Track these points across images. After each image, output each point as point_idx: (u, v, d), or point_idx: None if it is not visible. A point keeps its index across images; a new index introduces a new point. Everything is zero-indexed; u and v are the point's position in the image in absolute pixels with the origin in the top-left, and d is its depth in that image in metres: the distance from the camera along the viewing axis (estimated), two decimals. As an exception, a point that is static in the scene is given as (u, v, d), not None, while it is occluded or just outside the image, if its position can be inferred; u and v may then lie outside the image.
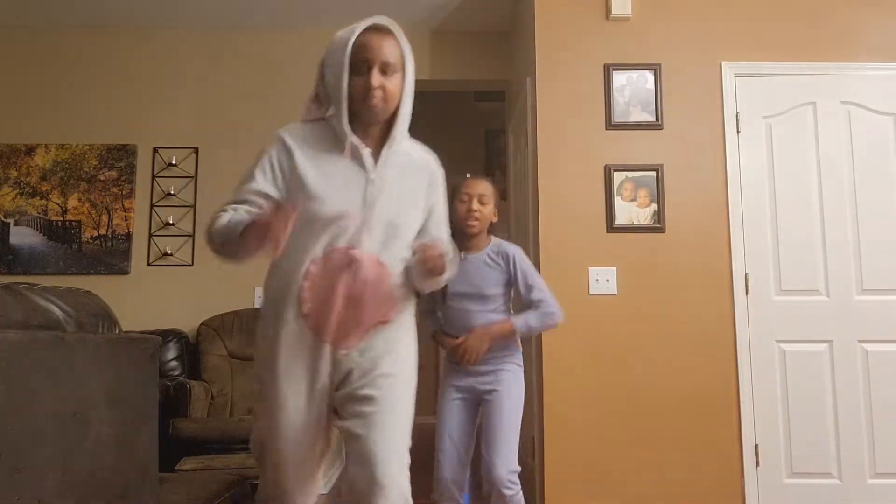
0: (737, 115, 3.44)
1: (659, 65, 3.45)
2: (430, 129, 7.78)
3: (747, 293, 3.32)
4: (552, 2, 3.51)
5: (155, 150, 4.37)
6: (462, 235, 2.37)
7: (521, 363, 2.45)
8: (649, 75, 3.44)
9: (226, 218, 1.60)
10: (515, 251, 2.43)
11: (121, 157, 4.36)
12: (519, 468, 2.31)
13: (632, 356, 3.25)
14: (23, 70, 4.44)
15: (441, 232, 1.82)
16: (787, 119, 3.45)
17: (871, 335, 3.28)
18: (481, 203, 2.40)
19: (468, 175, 2.46)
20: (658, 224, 3.34)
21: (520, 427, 2.35)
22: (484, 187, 2.43)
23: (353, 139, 1.65)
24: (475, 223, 2.39)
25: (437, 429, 2.41)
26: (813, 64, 3.47)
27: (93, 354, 1.24)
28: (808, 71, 3.47)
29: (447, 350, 2.40)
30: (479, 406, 2.39)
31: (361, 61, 1.63)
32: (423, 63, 4.54)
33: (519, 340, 2.43)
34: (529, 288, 2.38)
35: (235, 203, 1.65)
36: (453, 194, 2.37)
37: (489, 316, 2.36)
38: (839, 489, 3.21)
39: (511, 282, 2.40)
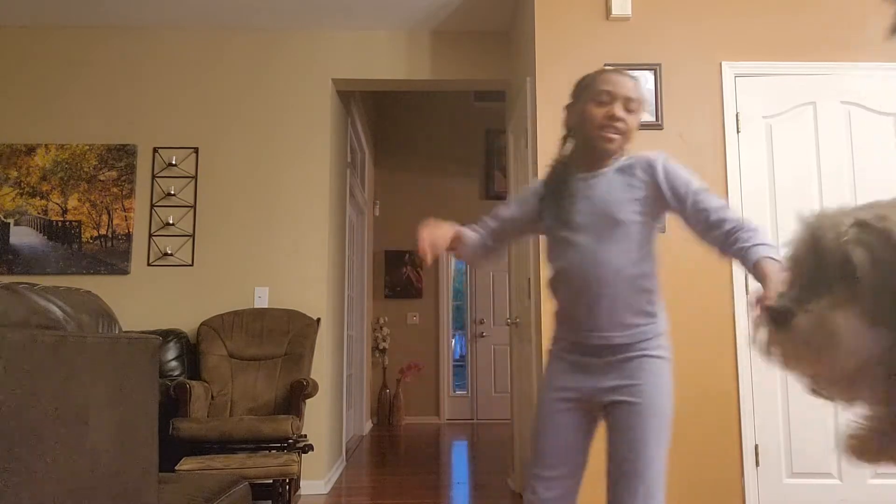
0: (737, 115, 3.44)
1: (659, 65, 3.45)
2: (431, 129, 7.85)
3: (747, 293, 3.32)
4: (552, 2, 3.51)
5: (155, 150, 4.37)
6: (590, 151, 1.71)
7: None
8: (649, 75, 3.44)
9: None
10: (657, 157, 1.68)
11: (121, 157, 4.36)
12: None
13: (632, 356, 3.25)
14: (23, 70, 4.44)
15: None
16: (787, 119, 3.45)
17: (871, 335, 3.29)
18: (628, 110, 1.66)
19: (605, 66, 1.70)
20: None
21: None
22: (633, 87, 1.67)
23: None
24: (616, 137, 1.66)
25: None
26: (813, 64, 3.47)
27: (93, 354, 1.24)
28: (808, 71, 3.47)
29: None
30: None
31: None
32: (423, 63, 4.55)
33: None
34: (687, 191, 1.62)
35: None
36: (584, 91, 1.72)
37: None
38: (839, 489, 3.21)
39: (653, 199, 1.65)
